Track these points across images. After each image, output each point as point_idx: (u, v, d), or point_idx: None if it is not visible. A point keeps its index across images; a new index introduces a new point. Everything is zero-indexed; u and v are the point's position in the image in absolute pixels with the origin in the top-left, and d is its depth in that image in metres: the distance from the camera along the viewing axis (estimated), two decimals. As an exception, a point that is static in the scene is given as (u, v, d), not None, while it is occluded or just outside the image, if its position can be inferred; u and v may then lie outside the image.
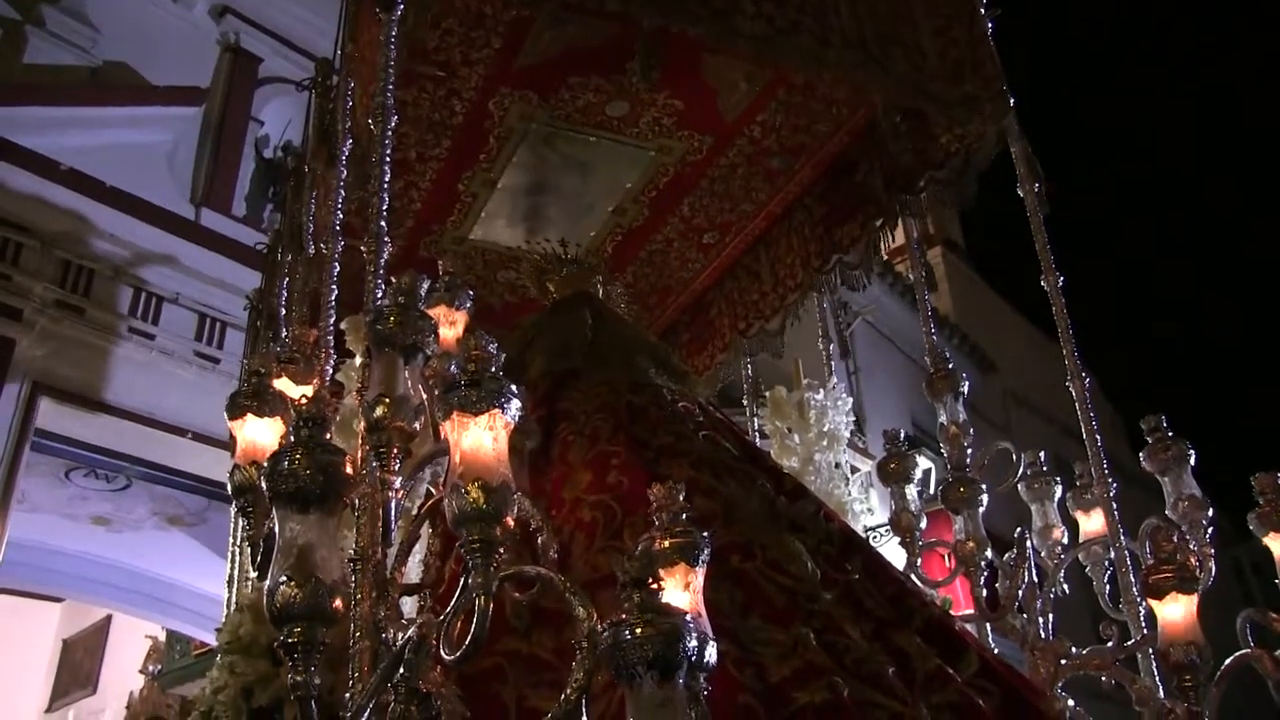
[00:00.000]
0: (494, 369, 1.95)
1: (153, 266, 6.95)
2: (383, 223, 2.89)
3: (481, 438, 1.89)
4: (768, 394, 5.46)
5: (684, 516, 2.06)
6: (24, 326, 6.33)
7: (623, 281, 5.23)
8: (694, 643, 1.51)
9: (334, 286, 3.40)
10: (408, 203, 4.77)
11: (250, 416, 2.98)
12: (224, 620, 4.13)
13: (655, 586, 1.58)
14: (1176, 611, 2.82)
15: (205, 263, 7.10)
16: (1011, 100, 4.02)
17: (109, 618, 10.72)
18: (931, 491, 4.48)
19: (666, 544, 2.00)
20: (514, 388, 1.97)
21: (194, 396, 6.49)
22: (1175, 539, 2.97)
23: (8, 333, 6.28)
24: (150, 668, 8.52)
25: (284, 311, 4.51)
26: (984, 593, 3.92)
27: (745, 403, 5.52)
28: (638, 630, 1.52)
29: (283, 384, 3.14)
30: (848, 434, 5.58)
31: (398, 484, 2.28)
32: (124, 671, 9.69)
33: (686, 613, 1.57)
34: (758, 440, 5.23)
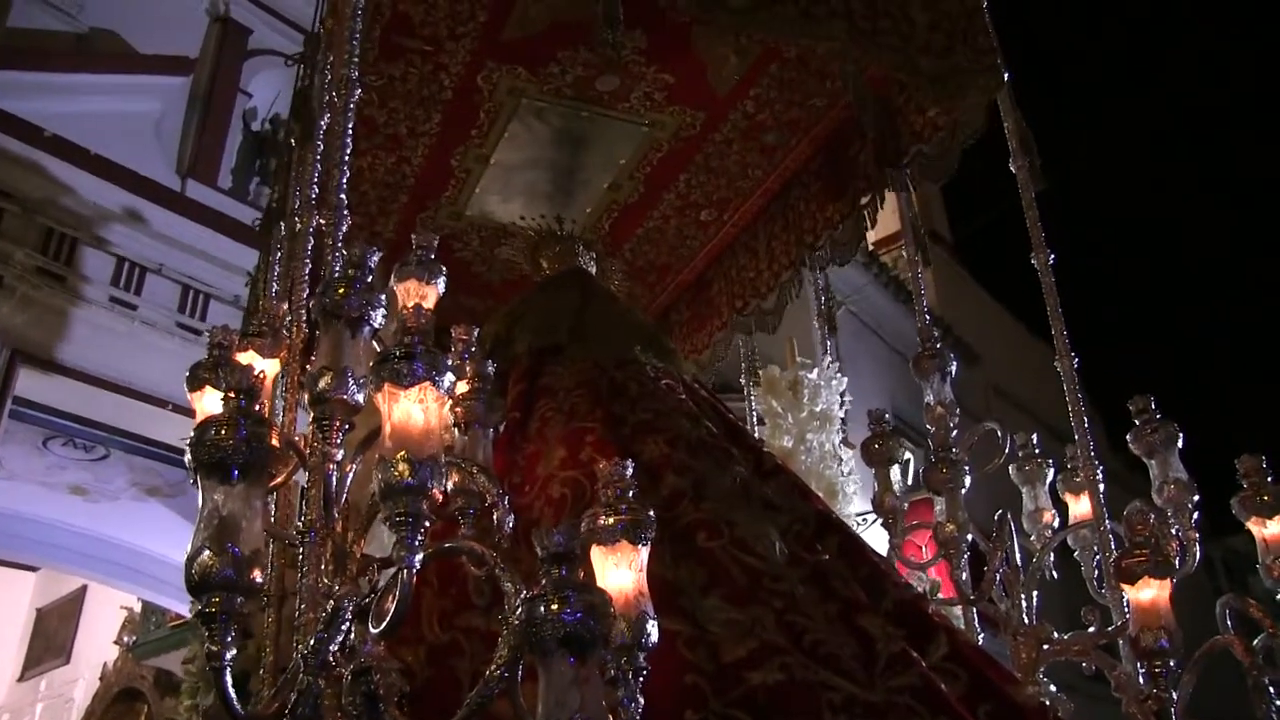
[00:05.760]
0: (429, 342, 1.89)
1: (136, 236, 6.86)
2: (342, 195, 2.84)
3: (411, 410, 1.84)
4: (761, 373, 5.40)
5: (631, 494, 1.99)
6: (4, 293, 6.25)
7: (621, 259, 5.17)
8: (613, 621, 1.44)
9: (308, 261, 3.32)
10: (401, 178, 4.71)
11: (209, 389, 2.96)
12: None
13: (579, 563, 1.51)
14: (1149, 596, 2.75)
15: (189, 234, 7.01)
16: (1005, 74, 3.93)
17: (84, 588, 10.61)
18: (909, 482, 4.41)
19: (610, 520, 1.94)
20: (447, 361, 1.91)
21: (175, 368, 6.26)
22: (1152, 522, 2.89)
23: (-13, 298, 6.22)
24: (125, 639, 8.48)
25: (274, 288, 4.47)
26: (964, 575, 3.86)
27: (744, 381, 5.45)
28: (552, 606, 1.46)
29: (249, 357, 3.10)
30: (841, 414, 5.53)
31: (339, 456, 2.22)
32: (98, 642, 9.62)
33: (604, 591, 1.51)
34: (755, 424, 5.16)
